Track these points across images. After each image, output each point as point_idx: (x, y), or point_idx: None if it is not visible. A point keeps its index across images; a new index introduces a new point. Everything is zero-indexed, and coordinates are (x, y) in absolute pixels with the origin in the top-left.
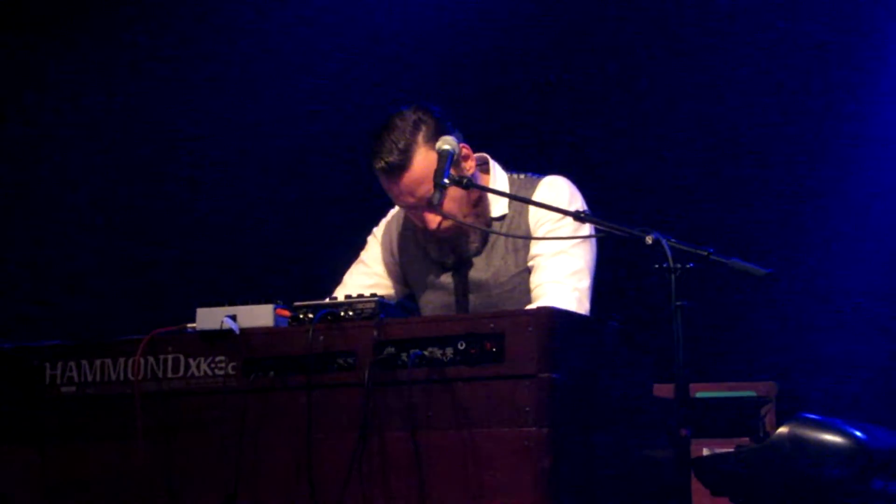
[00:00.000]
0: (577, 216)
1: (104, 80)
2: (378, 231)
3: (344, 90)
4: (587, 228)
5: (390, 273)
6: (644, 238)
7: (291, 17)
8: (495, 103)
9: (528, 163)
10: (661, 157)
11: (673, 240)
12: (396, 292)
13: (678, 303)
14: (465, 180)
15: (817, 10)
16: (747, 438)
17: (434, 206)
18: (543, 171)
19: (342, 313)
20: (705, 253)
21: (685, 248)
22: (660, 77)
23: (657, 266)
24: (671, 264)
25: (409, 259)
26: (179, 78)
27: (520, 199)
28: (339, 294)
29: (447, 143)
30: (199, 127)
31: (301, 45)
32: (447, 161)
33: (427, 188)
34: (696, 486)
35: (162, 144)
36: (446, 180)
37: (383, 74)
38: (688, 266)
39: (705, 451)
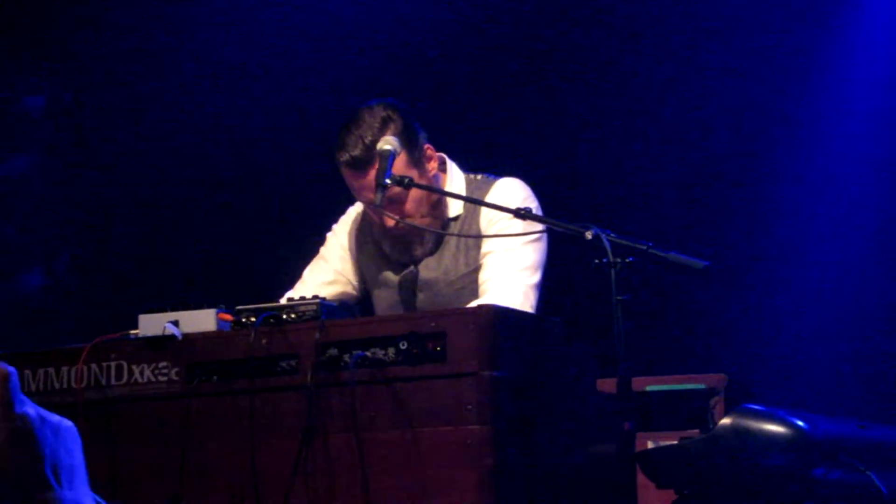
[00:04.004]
0: (518, 213)
1: (57, 85)
2: (337, 228)
3: (294, 88)
4: (536, 226)
5: (349, 269)
6: (584, 233)
7: (242, 14)
8: (447, 101)
9: (467, 159)
10: (605, 152)
11: (613, 234)
12: (355, 288)
13: (619, 297)
14: (406, 180)
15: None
16: (697, 430)
17: (377, 206)
18: (489, 168)
19: (284, 316)
20: (644, 247)
21: (625, 242)
22: (607, 70)
23: (597, 261)
24: (611, 259)
25: (364, 256)
26: (124, 78)
27: (464, 199)
28: (299, 290)
29: (388, 143)
30: (141, 126)
31: (247, 43)
32: (388, 161)
33: (391, 187)
34: (642, 480)
35: (104, 147)
36: (388, 180)
37: (337, 72)
38: (627, 260)
39: (650, 445)
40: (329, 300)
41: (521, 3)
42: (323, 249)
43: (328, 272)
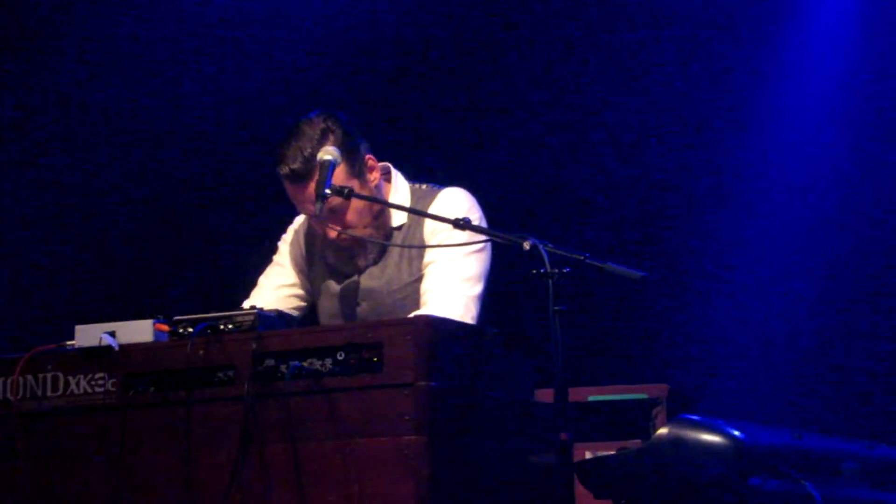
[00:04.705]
0: (456, 223)
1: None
2: (287, 237)
3: (236, 97)
4: (480, 237)
5: (302, 274)
6: (522, 244)
7: (187, 21)
8: (393, 110)
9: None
10: (547, 162)
11: (550, 245)
12: (310, 294)
13: (556, 307)
14: (346, 190)
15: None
16: (640, 440)
17: (317, 217)
18: (424, 177)
19: (221, 326)
20: (581, 257)
21: (562, 252)
22: (551, 81)
23: (534, 271)
24: (548, 269)
25: (311, 265)
26: (65, 88)
27: (403, 209)
28: (256, 297)
29: (328, 153)
30: (82, 136)
31: (192, 44)
32: (329, 171)
33: (331, 198)
34: (580, 490)
35: (41, 157)
36: (328, 191)
37: (281, 78)
38: (564, 270)
39: (588, 455)
40: (284, 307)
41: (466, 14)
42: (277, 256)
43: (286, 276)
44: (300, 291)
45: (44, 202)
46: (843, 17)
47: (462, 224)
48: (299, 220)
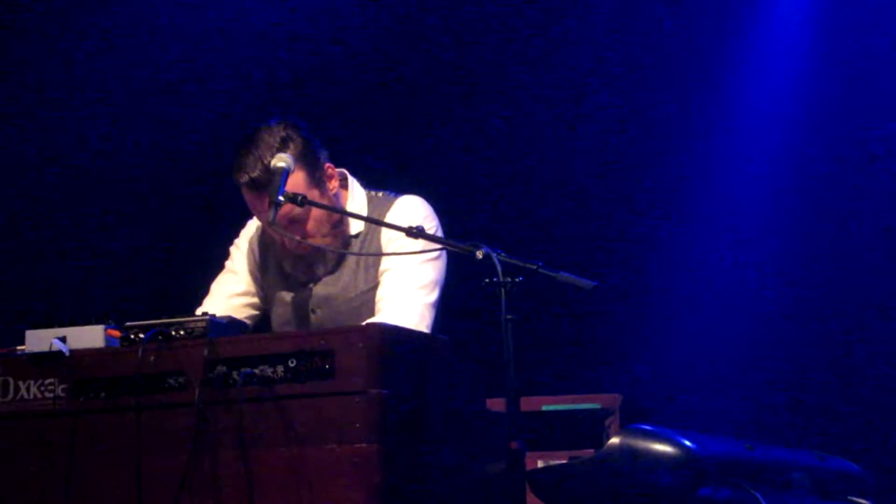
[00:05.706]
0: (409, 232)
1: None
2: (240, 242)
3: (191, 100)
4: (434, 245)
5: (256, 281)
6: (474, 252)
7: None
8: (347, 117)
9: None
10: (501, 170)
11: (503, 254)
12: (263, 301)
13: (508, 316)
14: (299, 198)
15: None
16: (593, 449)
17: (270, 223)
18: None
19: (173, 332)
20: (534, 266)
21: (515, 261)
22: (499, 89)
23: (487, 280)
24: (501, 278)
25: (266, 271)
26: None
27: (361, 218)
28: (208, 304)
29: (281, 160)
30: (26, 139)
31: (145, 52)
32: (282, 178)
33: (290, 206)
34: (532, 499)
35: None
36: (281, 198)
37: (236, 85)
38: (517, 280)
39: (540, 464)
40: (237, 314)
41: (419, 20)
42: (229, 263)
43: (239, 283)
44: (253, 300)
45: None
46: (799, 17)
47: (414, 232)
48: (252, 225)
